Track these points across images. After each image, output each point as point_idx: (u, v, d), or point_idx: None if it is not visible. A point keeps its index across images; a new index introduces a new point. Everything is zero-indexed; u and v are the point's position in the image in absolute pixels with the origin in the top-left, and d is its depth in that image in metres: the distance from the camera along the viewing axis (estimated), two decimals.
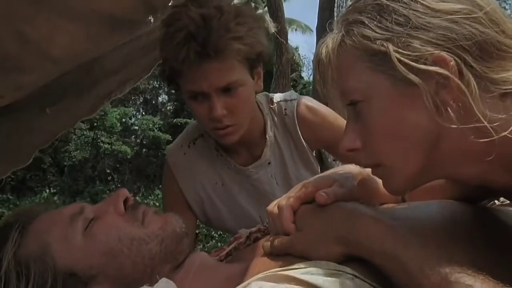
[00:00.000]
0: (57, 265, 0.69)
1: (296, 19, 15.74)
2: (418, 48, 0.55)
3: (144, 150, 13.37)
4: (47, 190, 10.81)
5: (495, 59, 0.56)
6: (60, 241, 0.70)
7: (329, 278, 0.55)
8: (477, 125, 0.54)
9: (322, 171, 0.93)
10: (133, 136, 13.79)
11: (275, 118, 1.23)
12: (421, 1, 0.57)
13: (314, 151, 1.32)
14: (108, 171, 12.22)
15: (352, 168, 0.76)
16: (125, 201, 0.77)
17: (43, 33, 0.85)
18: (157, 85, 14.23)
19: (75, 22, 0.88)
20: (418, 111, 0.57)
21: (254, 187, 1.23)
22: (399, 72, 0.56)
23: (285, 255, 0.65)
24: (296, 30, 15.70)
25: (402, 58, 0.55)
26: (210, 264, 0.77)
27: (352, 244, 0.59)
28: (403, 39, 0.56)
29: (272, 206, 0.72)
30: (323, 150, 2.45)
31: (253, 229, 0.85)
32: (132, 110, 14.48)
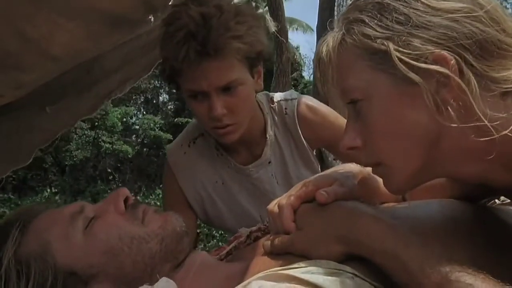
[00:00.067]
0: (58, 263, 0.69)
1: (297, 19, 15.75)
2: (418, 47, 0.55)
3: (145, 149, 13.38)
4: (49, 190, 10.82)
5: (495, 57, 0.56)
6: (60, 239, 0.70)
7: (329, 277, 0.55)
8: (478, 124, 0.54)
9: (322, 170, 0.93)
10: (134, 136, 13.80)
11: (276, 117, 1.23)
12: None
13: (315, 150, 1.32)
14: (109, 170, 12.23)
15: (353, 167, 0.75)
16: (125, 200, 0.77)
17: (43, 32, 0.85)
18: (158, 85, 14.24)
19: (75, 21, 0.88)
20: (419, 110, 0.57)
21: (255, 186, 1.23)
22: (399, 71, 0.56)
23: (286, 254, 0.64)
24: (297, 29, 15.71)
25: (402, 57, 0.55)
26: (210, 263, 0.77)
27: (352, 243, 0.59)
28: (404, 37, 0.56)
29: (273, 205, 0.72)
30: (323, 149, 2.45)
31: (254, 228, 0.85)
32: (133, 110, 14.50)
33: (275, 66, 6.32)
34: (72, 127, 1.38)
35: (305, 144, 1.24)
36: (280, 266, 0.60)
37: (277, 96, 1.27)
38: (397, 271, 0.54)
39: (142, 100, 15.43)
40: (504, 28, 0.57)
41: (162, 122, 13.56)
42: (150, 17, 1.07)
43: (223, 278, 0.69)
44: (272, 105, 1.24)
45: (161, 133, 12.66)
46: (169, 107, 15.57)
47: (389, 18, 0.57)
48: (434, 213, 0.73)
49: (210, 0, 1.02)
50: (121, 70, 1.34)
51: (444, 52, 0.54)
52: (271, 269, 0.60)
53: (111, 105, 11.76)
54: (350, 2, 0.65)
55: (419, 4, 0.57)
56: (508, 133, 0.53)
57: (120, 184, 11.09)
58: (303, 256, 0.62)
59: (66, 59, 0.95)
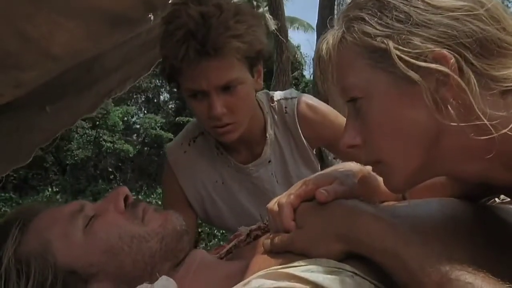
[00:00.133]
0: (58, 262, 0.69)
1: (298, 18, 15.74)
2: (418, 45, 0.55)
3: (146, 148, 13.40)
4: (50, 189, 10.83)
5: (496, 56, 0.55)
6: (60, 238, 0.70)
7: (329, 276, 0.55)
8: (477, 122, 0.53)
9: (322, 169, 0.93)
10: (135, 135, 13.83)
11: (276, 116, 1.23)
12: None
13: (314, 149, 1.32)
14: (110, 169, 12.25)
15: (353, 165, 0.75)
16: (125, 199, 0.77)
17: (43, 31, 0.85)
18: (159, 84, 14.26)
19: (75, 20, 0.88)
20: (418, 108, 0.56)
21: (254, 185, 1.23)
22: (399, 69, 0.56)
23: (285, 253, 0.64)
24: (298, 28, 15.70)
25: (402, 55, 0.55)
26: (210, 262, 0.77)
27: (352, 241, 0.59)
28: (404, 36, 0.56)
29: (272, 204, 0.72)
30: (323, 148, 2.45)
31: (253, 226, 0.85)
32: (134, 109, 14.52)
33: (275, 65, 6.33)
34: (72, 126, 1.38)
35: (305, 143, 1.24)
36: (280, 265, 0.60)
37: (277, 95, 1.27)
38: (397, 269, 0.54)
39: (143, 99, 15.45)
40: (504, 26, 0.57)
41: (163, 121, 13.58)
42: (150, 15, 1.07)
43: (223, 277, 0.69)
44: (272, 104, 1.24)
45: (162, 132, 12.68)
46: (170, 106, 15.59)
47: (389, 16, 0.57)
48: (434, 212, 0.73)
49: None
50: (121, 69, 1.34)
51: (444, 51, 0.54)
52: (271, 268, 0.60)
53: (112, 104, 11.78)
54: (351, 0, 0.65)
55: (419, 2, 0.57)
56: (508, 132, 0.53)
57: (121, 183, 11.09)
58: (303, 255, 0.61)
59: (66, 59, 0.95)
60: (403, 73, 0.55)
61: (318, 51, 0.65)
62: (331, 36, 0.63)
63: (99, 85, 1.33)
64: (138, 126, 13.91)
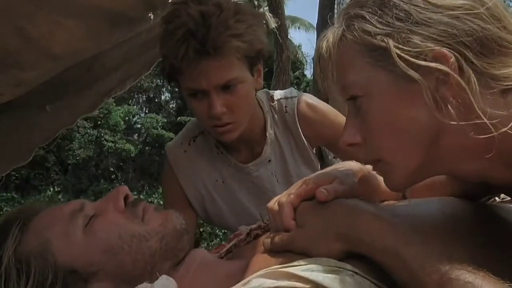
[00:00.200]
0: (58, 262, 0.69)
1: (299, 17, 15.74)
2: (418, 44, 0.55)
3: (147, 148, 13.42)
4: (51, 189, 10.86)
5: (496, 55, 0.55)
6: (60, 238, 0.70)
7: (329, 275, 0.55)
8: (477, 121, 0.53)
9: (322, 168, 0.93)
10: (137, 135, 13.84)
11: (276, 115, 1.23)
12: None
13: (315, 149, 1.31)
14: (111, 169, 12.28)
15: (353, 165, 0.75)
16: (125, 198, 0.77)
17: (43, 31, 0.85)
18: (160, 83, 14.27)
19: (75, 19, 0.88)
20: (418, 107, 0.56)
21: (255, 185, 1.23)
22: (399, 68, 0.56)
23: (286, 252, 0.64)
24: (299, 28, 15.70)
25: (402, 54, 0.55)
26: (210, 261, 0.77)
27: (352, 241, 0.59)
28: (404, 34, 0.56)
29: (273, 203, 0.72)
30: (323, 147, 2.45)
31: (253, 226, 0.85)
32: (136, 109, 14.54)
33: (275, 64, 6.33)
34: (72, 125, 1.38)
35: (305, 142, 1.24)
36: (280, 264, 0.60)
37: (277, 94, 1.26)
38: (397, 269, 0.54)
39: (144, 99, 15.47)
40: (505, 25, 0.56)
41: (165, 120, 13.59)
42: (149, 14, 1.07)
43: (223, 276, 0.69)
44: (272, 103, 1.24)
45: (164, 131, 12.69)
46: (171, 105, 15.60)
47: (389, 15, 0.57)
48: (434, 211, 0.73)
49: None
50: (121, 68, 1.34)
51: (444, 50, 0.54)
52: (271, 267, 0.60)
53: (114, 104, 11.80)
54: None
55: (419, 0, 0.57)
56: (508, 131, 0.53)
57: (123, 183, 11.12)
58: (303, 254, 0.61)
59: (66, 58, 0.95)
60: (403, 72, 0.55)
61: (318, 49, 0.65)
62: (331, 34, 0.63)
63: (99, 84, 1.33)
64: (139, 126, 13.93)
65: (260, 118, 1.21)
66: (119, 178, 12.30)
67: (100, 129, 11.83)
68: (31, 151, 1.29)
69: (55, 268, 0.68)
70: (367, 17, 0.58)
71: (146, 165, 12.88)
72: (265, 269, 0.59)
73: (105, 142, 11.74)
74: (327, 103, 1.27)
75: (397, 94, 0.58)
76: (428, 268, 0.52)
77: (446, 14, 0.55)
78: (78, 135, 11.77)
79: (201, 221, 1.35)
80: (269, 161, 1.23)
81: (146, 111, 15.12)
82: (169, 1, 1.10)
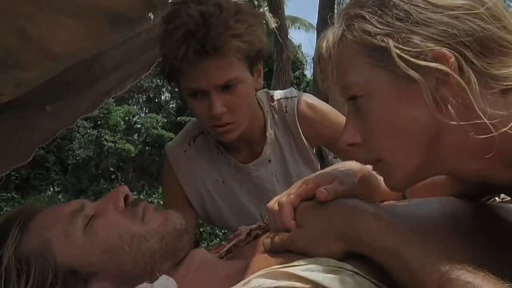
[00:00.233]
0: (58, 262, 0.69)
1: (299, 17, 15.75)
2: (418, 44, 0.55)
3: (147, 148, 13.42)
4: (51, 189, 10.86)
5: (496, 55, 0.55)
6: (60, 238, 0.70)
7: (329, 275, 0.55)
8: (477, 121, 0.53)
9: (322, 168, 0.93)
10: (137, 135, 13.84)
11: (276, 115, 1.23)
12: None
13: (315, 149, 1.32)
14: (112, 169, 12.28)
15: (353, 165, 0.75)
16: (125, 198, 0.77)
17: (43, 31, 0.85)
18: (160, 83, 14.27)
19: (75, 19, 0.88)
20: (418, 107, 0.56)
21: (255, 185, 1.23)
22: (399, 68, 0.56)
23: (286, 252, 0.64)
24: (299, 28, 15.70)
25: (402, 54, 0.55)
26: (210, 261, 0.77)
27: (352, 241, 0.59)
28: (404, 34, 0.56)
29: (273, 203, 0.72)
30: (323, 147, 2.45)
31: (253, 226, 0.85)
32: (136, 109, 14.54)
33: (275, 64, 6.33)
34: (72, 125, 1.38)
35: (305, 142, 1.24)
36: (280, 264, 0.60)
37: (277, 94, 1.26)
38: (397, 269, 0.54)
39: (144, 99, 15.47)
40: (505, 25, 0.56)
41: (165, 120, 13.59)
42: (149, 14, 1.07)
43: (223, 276, 0.69)
44: (272, 104, 1.24)
45: (164, 131, 12.69)
46: (171, 105, 15.60)
47: (389, 15, 0.57)
48: (435, 211, 0.73)
49: None
50: (121, 68, 1.34)
51: (444, 50, 0.54)
52: (271, 267, 0.60)
53: (114, 104, 11.80)
54: None
55: (419, 0, 0.57)
56: (508, 131, 0.53)
57: (123, 183, 11.12)
58: (303, 254, 0.61)
59: (66, 58, 0.95)
60: (403, 72, 0.55)
61: (318, 49, 0.65)
62: (331, 34, 0.63)
63: (99, 84, 1.33)
64: (139, 126, 13.93)
65: (260, 118, 1.21)
66: (119, 178, 12.30)
67: (100, 129, 11.83)
68: (31, 151, 1.29)
69: (55, 268, 0.68)
70: (367, 17, 0.58)
71: (146, 165, 12.88)
72: (265, 269, 0.59)
73: (105, 142, 11.74)
74: (327, 103, 1.27)
75: (397, 94, 0.58)
76: (428, 268, 0.51)
77: (446, 14, 0.55)
78: (78, 135, 11.77)
79: (201, 221, 1.35)
80: (269, 161, 1.23)
81: (146, 111, 15.13)
82: (169, 1, 1.10)
